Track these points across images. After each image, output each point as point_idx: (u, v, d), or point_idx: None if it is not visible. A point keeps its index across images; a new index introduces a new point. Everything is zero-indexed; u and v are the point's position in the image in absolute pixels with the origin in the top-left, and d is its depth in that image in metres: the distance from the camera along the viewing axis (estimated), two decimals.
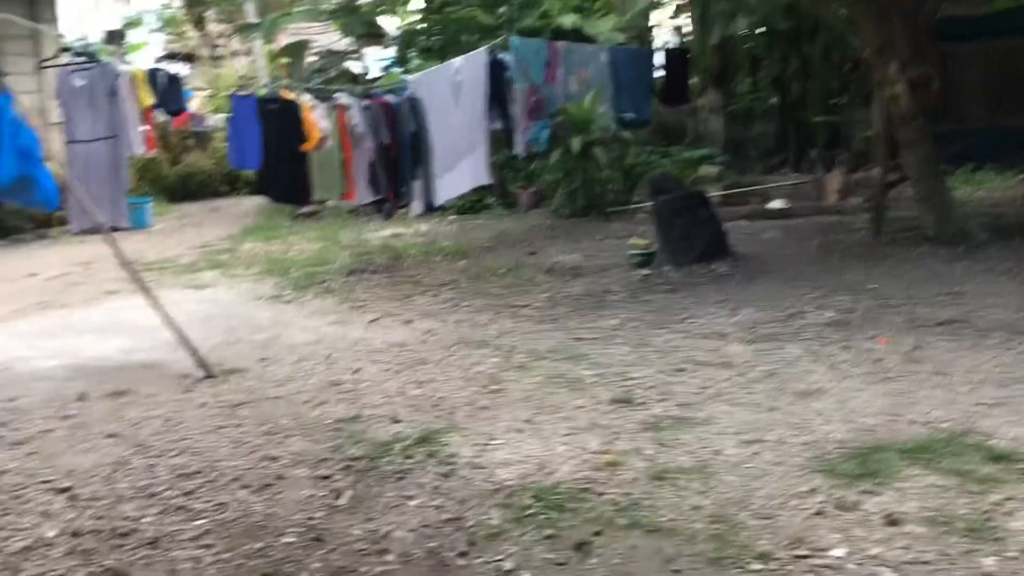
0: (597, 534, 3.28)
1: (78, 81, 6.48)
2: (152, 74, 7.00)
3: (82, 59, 6.57)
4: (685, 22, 14.86)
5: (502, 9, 11.82)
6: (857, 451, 3.89)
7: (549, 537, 3.27)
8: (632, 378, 5.12)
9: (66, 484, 3.97)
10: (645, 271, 7.80)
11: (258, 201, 13.40)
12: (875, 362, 5.17)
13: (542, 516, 3.42)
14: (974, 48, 8.32)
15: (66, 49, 6.67)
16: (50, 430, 4.73)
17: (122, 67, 6.72)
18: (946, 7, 9.81)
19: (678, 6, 14.76)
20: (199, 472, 4.05)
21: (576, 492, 3.61)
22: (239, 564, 3.22)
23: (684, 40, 14.53)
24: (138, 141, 6.65)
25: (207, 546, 3.36)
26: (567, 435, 4.27)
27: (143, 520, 3.58)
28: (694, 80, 13.60)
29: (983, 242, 7.86)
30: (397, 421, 4.61)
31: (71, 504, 3.78)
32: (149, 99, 6.76)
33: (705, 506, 3.48)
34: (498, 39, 10.13)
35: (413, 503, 3.62)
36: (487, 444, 4.20)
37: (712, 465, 3.86)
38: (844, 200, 10.68)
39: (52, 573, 3.22)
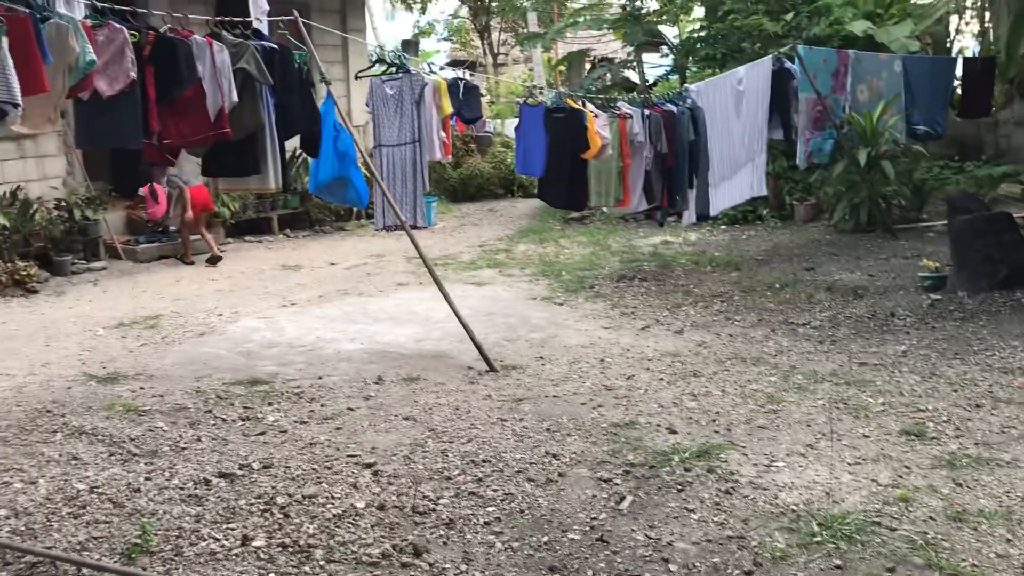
0: (891, 571, 3.15)
1: (389, 89, 7.04)
2: (453, 83, 7.47)
3: (394, 68, 7.07)
4: (989, 28, 13.70)
5: (788, 16, 11.47)
6: None
7: (838, 568, 3.18)
8: (923, 410, 4.84)
9: (370, 460, 4.35)
10: (936, 295, 7.30)
11: (531, 204, 13.92)
12: None
13: (830, 545, 3.33)
14: None
15: (380, 60, 7.22)
16: (354, 408, 5.19)
17: (428, 76, 7.21)
18: None
19: (983, 11, 13.64)
20: (487, 461, 4.30)
21: (866, 524, 3.48)
22: (528, 555, 3.39)
23: (989, 47, 13.39)
24: (438, 146, 7.11)
25: (497, 533, 3.57)
26: (854, 464, 4.12)
27: (440, 501, 3.86)
28: (997, 91, 12.51)
29: None
30: (673, 432, 4.64)
31: (375, 479, 4.13)
32: (449, 107, 7.21)
33: (1013, 556, 3.23)
34: (784, 47, 9.86)
35: (694, 516, 3.64)
36: (769, 465, 4.13)
37: (1020, 512, 3.58)
38: None
39: (362, 541, 3.54)
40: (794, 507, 3.67)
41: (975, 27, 14.45)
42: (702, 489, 3.88)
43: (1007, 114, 12.66)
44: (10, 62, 4.06)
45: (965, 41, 15.00)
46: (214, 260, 10.22)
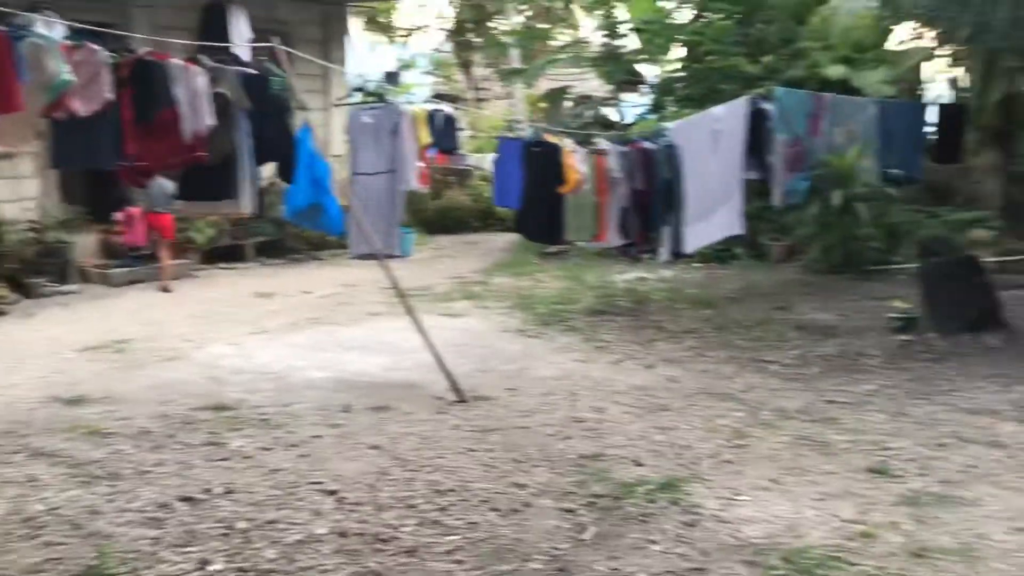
0: None
1: (366, 119, 7.08)
2: (431, 115, 7.53)
3: (372, 98, 7.12)
4: (962, 75, 13.97)
5: (767, 58, 11.65)
6: None
7: None
8: (888, 448, 4.87)
9: (334, 487, 4.32)
10: (905, 336, 7.37)
11: (508, 238, 13.94)
12: None
13: None
14: None
15: (359, 89, 7.27)
16: (320, 436, 5.16)
17: (406, 107, 7.27)
18: None
19: (955, 59, 13.91)
20: (452, 490, 4.28)
21: (827, 559, 3.49)
22: None
23: (960, 95, 13.65)
24: (414, 176, 7.14)
25: (459, 561, 3.55)
26: (817, 500, 4.13)
27: (402, 529, 3.84)
28: (969, 137, 12.73)
29: None
30: (640, 464, 4.64)
31: (339, 506, 4.10)
32: (427, 138, 7.26)
33: None
34: (761, 89, 10.01)
35: (657, 547, 3.64)
36: (732, 499, 4.14)
37: (978, 550, 3.61)
38: None
39: (322, 567, 3.51)
40: (756, 541, 3.68)
41: (949, 74, 14.73)
42: (665, 521, 3.88)
43: (978, 161, 12.87)
44: None
45: (940, 88, 15.27)
46: (165, 289, 10.05)
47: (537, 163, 7.98)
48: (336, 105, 7.78)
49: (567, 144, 8.06)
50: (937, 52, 13.44)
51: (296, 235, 12.44)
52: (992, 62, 10.75)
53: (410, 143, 7.08)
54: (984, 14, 7.29)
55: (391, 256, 7.04)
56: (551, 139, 8.13)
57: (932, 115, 12.17)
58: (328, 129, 13.23)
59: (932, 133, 12.07)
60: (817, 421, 5.37)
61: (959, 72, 14.10)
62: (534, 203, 8.17)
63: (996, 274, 9.40)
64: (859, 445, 4.93)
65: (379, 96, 7.14)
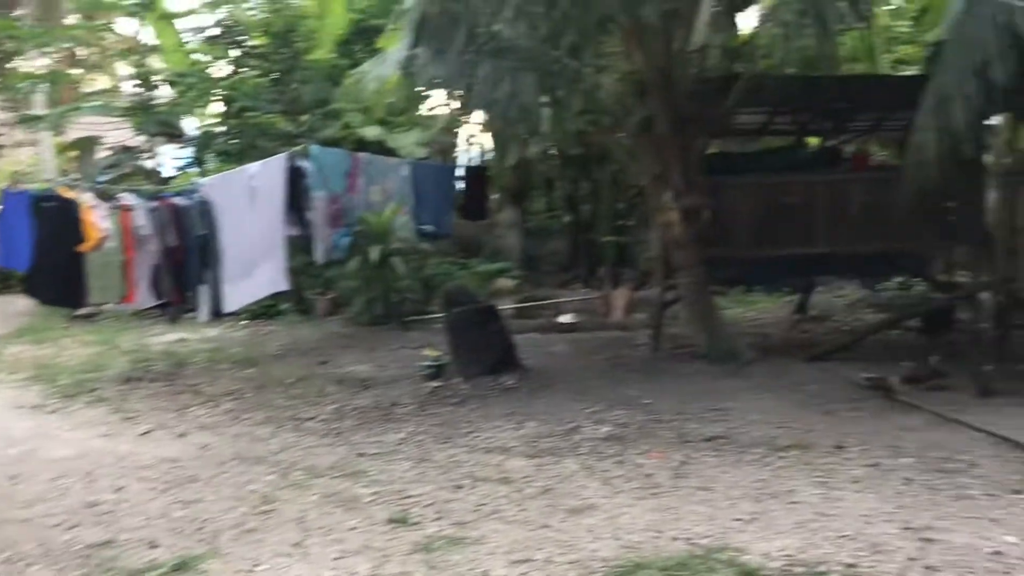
0: None
1: None
2: None
3: None
4: (488, 140, 15.45)
5: (304, 117, 11.87)
6: (621, 570, 3.98)
7: None
8: (410, 496, 5.06)
9: None
10: (436, 383, 7.82)
11: (30, 301, 12.52)
12: (646, 477, 5.35)
13: None
14: (743, 182, 9.06)
15: None
16: None
17: None
18: (718, 143, 10.76)
19: (483, 126, 15.36)
20: None
21: None
22: None
23: (485, 158, 15.07)
24: None
25: None
26: (337, 559, 4.14)
27: None
28: (494, 196, 14.08)
29: (750, 360, 8.42)
30: (155, 546, 4.32)
31: None
32: None
33: None
34: (298, 147, 10.14)
35: None
36: (251, 570, 4.00)
37: None
38: (629, 316, 11.22)
39: None
40: None
41: (477, 139, 16.21)
42: None
43: (501, 217, 14.28)
44: None
45: (472, 151, 16.74)
46: None
47: (50, 220, 7.30)
48: None
49: (85, 199, 7.45)
50: (463, 120, 14.72)
51: None
52: (505, 131, 11.98)
53: None
54: (489, 89, 8.07)
55: None
56: (67, 193, 7.45)
57: (461, 176, 13.28)
58: None
59: (461, 192, 13.15)
60: (347, 476, 5.43)
61: (486, 137, 15.59)
62: (49, 263, 7.45)
63: (515, 319, 10.45)
64: (383, 496, 5.06)
65: None
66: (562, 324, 10.91)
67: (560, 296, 12.60)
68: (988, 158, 9.84)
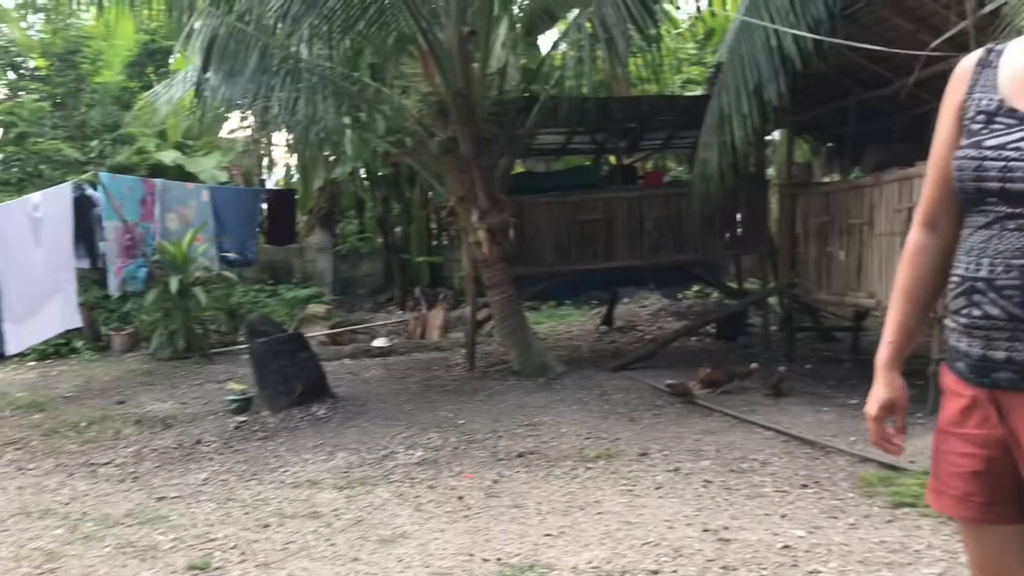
0: None
1: None
2: None
3: None
4: (293, 162, 15.12)
5: (93, 143, 11.21)
6: None
7: None
8: (213, 539, 4.82)
9: None
10: (241, 418, 7.53)
11: None
12: (458, 499, 5.35)
13: None
14: (545, 200, 9.30)
15: None
16: None
17: None
18: (521, 162, 11.01)
19: (289, 147, 15.02)
20: None
21: None
22: None
23: (292, 180, 14.74)
24: None
25: None
26: None
27: None
28: (302, 219, 13.79)
29: (560, 374, 8.62)
30: None
31: None
32: None
33: None
34: (86, 174, 9.56)
35: None
36: None
37: None
38: (445, 336, 11.26)
39: None
40: None
41: (282, 161, 15.84)
42: None
43: (311, 240, 13.99)
44: None
45: (280, 173, 16.34)
46: None
47: None
48: None
49: None
50: (266, 143, 14.37)
51: None
52: (309, 152, 11.77)
53: None
54: (289, 111, 7.90)
55: None
56: None
57: (266, 199, 12.93)
58: None
59: (267, 216, 12.81)
60: (144, 523, 5.11)
61: (293, 159, 15.26)
62: None
63: (327, 345, 10.25)
64: (184, 542, 4.80)
65: None
66: (377, 348, 10.80)
67: (375, 319, 12.48)
68: (769, 171, 10.57)
